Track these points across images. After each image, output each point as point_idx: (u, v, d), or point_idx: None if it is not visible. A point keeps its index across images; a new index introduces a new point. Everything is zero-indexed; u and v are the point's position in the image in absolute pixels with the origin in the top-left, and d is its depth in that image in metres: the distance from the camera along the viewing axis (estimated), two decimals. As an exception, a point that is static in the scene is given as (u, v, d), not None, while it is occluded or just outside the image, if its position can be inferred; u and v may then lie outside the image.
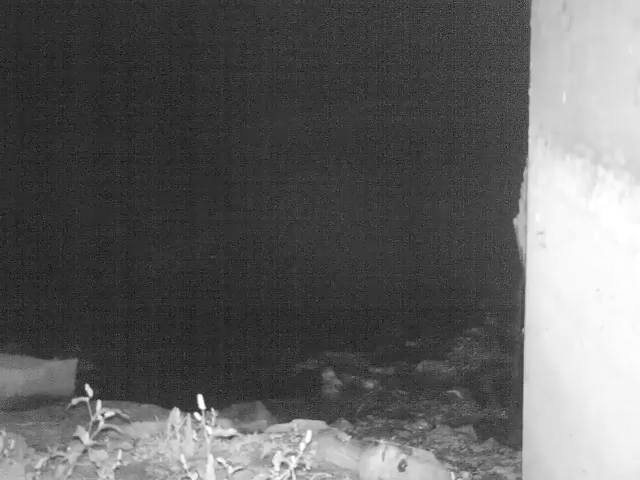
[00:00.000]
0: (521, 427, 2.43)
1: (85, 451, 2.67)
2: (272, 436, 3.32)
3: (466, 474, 3.38)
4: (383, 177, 10.93)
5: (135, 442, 3.20)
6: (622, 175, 1.73)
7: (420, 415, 5.55)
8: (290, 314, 7.93)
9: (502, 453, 4.20)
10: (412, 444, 3.99)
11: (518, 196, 3.96)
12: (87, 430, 2.64)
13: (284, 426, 3.51)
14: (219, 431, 2.76)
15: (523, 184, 3.79)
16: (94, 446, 2.66)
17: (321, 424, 3.56)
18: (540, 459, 2.25)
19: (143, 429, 3.33)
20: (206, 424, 2.74)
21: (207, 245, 10.21)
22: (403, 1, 10.50)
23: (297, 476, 2.56)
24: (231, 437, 2.95)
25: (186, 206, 10.72)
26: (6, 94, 10.01)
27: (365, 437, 4.20)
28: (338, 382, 6.35)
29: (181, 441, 3.02)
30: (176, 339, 7.20)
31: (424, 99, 10.79)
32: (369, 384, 6.32)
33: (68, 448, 2.75)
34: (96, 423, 2.66)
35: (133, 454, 3.07)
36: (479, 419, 5.48)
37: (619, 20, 1.73)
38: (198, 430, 2.98)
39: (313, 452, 3.06)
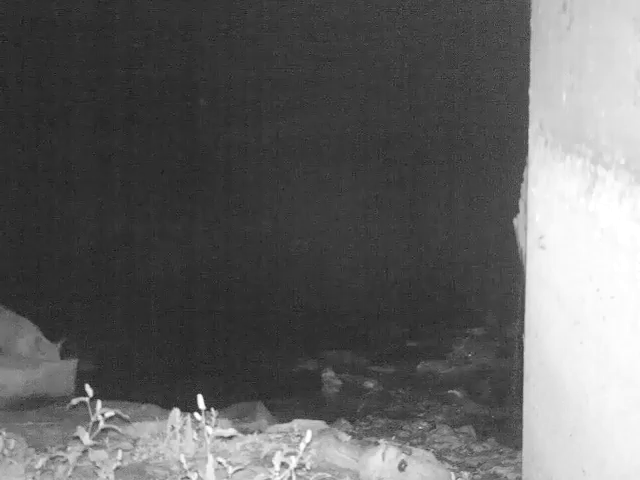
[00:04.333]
0: (521, 427, 2.43)
1: (85, 451, 2.67)
2: (272, 436, 3.32)
3: (466, 474, 3.38)
4: (383, 177, 10.93)
5: (135, 442, 3.20)
6: (622, 175, 1.73)
7: (420, 415, 5.55)
8: (290, 314, 7.93)
9: (502, 453, 4.20)
10: (412, 444, 3.98)
11: (518, 196, 3.96)
12: (87, 430, 2.64)
13: (284, 426, 3.51)
14: (219, 431, 2.75)
15: (523, 184, 3.79)
16: (94, 446, 2.66)
17: (321, 424, 3.56)
18: (540, 459, 2.25)
19: (143, 429, 3.33)
20: (206, 424, 2.74)
21: (207, 245, 10.21)
22: (403, 2, 10.50)
23: (297, 476, 2.56)
24: (231, 437, 2.95)
25: (186, 206, 10.72)
26: (6, 93, 10.02)
27: (365, 437, 4.20)
28: (338, 382, 6.35)
29: (181, 441, 3.02)
30: (176, 339, 7.20)
31: (424, 99, 10.80)
32: (369, 384, 6.32)
33: (68, 448, 2.75)
34: (96, 423, 2.66)
35: (133, 454, 3.07)
36: (479, 419, 5.48)
37: (619, 20, 1.73)
38: (198, 430, 2.98)
39: (313, 452, 3.05)
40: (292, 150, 11.03)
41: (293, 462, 2.46)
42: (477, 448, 4.41)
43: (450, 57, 10.55)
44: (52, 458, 2.71)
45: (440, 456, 3.82)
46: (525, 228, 2.49)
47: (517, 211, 4.04)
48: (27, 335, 5.13)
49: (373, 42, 10.82)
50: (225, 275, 9.28)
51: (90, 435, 2.64)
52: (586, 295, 1.89)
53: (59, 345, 5.11)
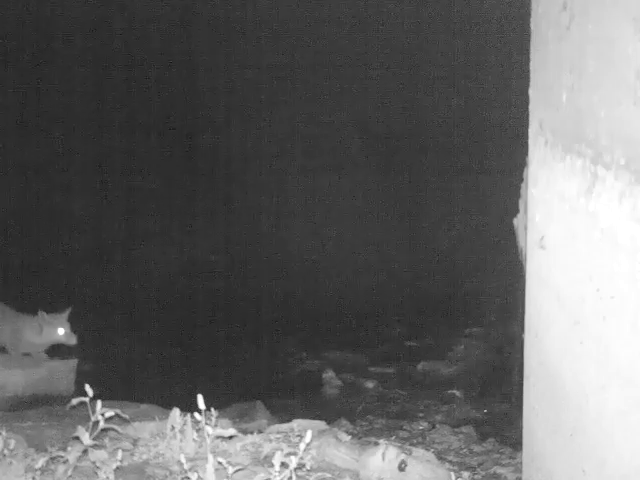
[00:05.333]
0: (521, 427, 2.44)
1: (85, 451, 2.67)
2: (272, 436, 3.32)
3: (466, 474, 3.38)
4: (383, 177, 10.93)
5: (135, 442, 3.20)
6: (622, 175, 1.73)
7: (420, 415, 5.55)
8: (290, 314, 7.93)
9: (502, 453, 4.20)
10: (412, 444, 3.98)
11: (518, 196, 3.96)
12: (87, 430, 2.64)
13: (284, 426, 3.51)
14: (219, 431, 2.76)
15: (523, 184, 3.80)
16: (94, 446, 2.66)
17: (321, 424, 3.56)
18: (540, 459, 2.25)
19: (143, 429, 3.33)
20: (206, 424, 2.74)
21: (207, 245, 10.21)
22: (402, 2, 10.51)
23: (297, 476, 2.56)
24: (231, 437, 2.95)
25: (186, 206, 10.72)
26: (5, 92, 10.02)
27: (365, 437, 4.20)
28: (338, 382, 6.34)
29: (181, 441, 3.02)
30: (176, 339, 7.20)
31: (423, 100, 10.80)
32: (369, 384, 6.32)
33: (68, 448, 2.75)
34: (96, 423, 2.66)
35: (133, 454, 3.07)
36: (479, 419, 5.48)
37: (619, 20, 1.73)
38: (198, 430, 2.98)
39: (313, 452, 3.05)
40: (292, 150, 11.03)
41: (293, 462, 2.46)
42: (477, 448, 4.41)
43: (449, 57, 10.55)
44: (52, 458, 2.71)
45: (440, 456, 3.81)
46: (525, 228, 2.49)
47: (517, 211, 4.05)
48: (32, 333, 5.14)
49: (373, 44, 10.83)
50: (225, 275, 9.28)
51: (90, 435, 2.64)
52: (586, 295, 1.89)
53: (66, 314, 5.07)
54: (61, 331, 4.95)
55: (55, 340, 4.98)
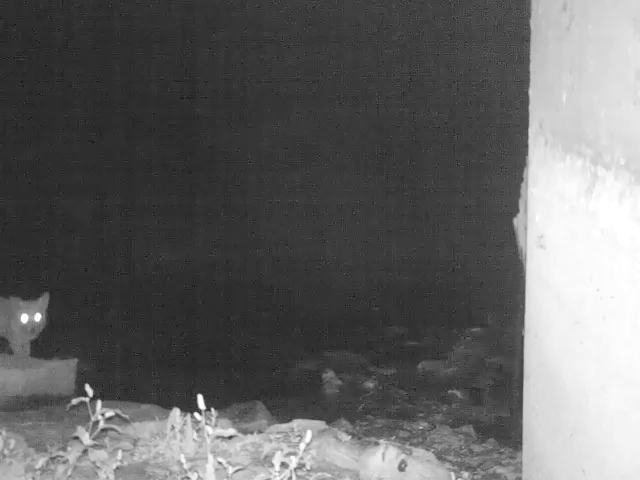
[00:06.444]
0: (521, 427, 2.43)
1: (85, 451, 2.67)
2: (272, 436, 3.32)
3: (466, 474, 3.37)
4: (383, 177, 10.93)
5: (135, 442, 3.20)
6: (622, 175, 1.73)
7: (420, 415, 5.55)
8: (290, 314, 7.93)
9: (502, 453, 4.20)
10: (412, 444, 3.98)
11: (518, 196, 3.96)
12: (87, 430, 2.64)
13: (284, 426, 3.51)
14: (219, 431, 2.75)
15: (523, 184, 3.79)
16: (94, 446, 2.66)
17: (321, 424, 3.56)
18: (540, 459, 2.25)
19: (143, 429, 3.33)
20: (206, 424, 2.74)
21: (207, 245, 10.21)
22: (402, 2, 10.51)
23: (297, 476, 2.56)
24: (231, 437, 2.95)
25: (186, 206, 10.72)
26: (5, 92, 10.01)
27: (365, 437, 4.20)
28: (338, 382, 6.34)
29: (181, 441, 3.02)
30: (176, 339, 7.20)
31: (424, 98, 10.79)
32: (369, 384, 6.32)
33: (68, 448, 2.74)
34: (96, 423, 2.66)
35: (133, 454, 3.07)
36: (479, 419, 5.48)
37: (619, 20, 1.73)
38: (198, 430, 2.98)
39: (313, 452, 3.05)
40: (292, 150, 11.03)
41: (293, 462, 2.46)
42: (477, 448, 4.41)
43: (449, 58, 10.55)
44: (52, 458, 2.71)
45: (440, 456, 3.81)
46: (525, 228, 2.49)
47: (517, 211, 4.04)
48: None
49: (373, 44, 10.83)
50: (225, 275, 9.28)
51: (90, 435, 2.64)
52: (586, 295, 1.89)
53: (42, 298, 5.19)
54: (24, 318, 5.07)
55: (26, 326, 5.10)
